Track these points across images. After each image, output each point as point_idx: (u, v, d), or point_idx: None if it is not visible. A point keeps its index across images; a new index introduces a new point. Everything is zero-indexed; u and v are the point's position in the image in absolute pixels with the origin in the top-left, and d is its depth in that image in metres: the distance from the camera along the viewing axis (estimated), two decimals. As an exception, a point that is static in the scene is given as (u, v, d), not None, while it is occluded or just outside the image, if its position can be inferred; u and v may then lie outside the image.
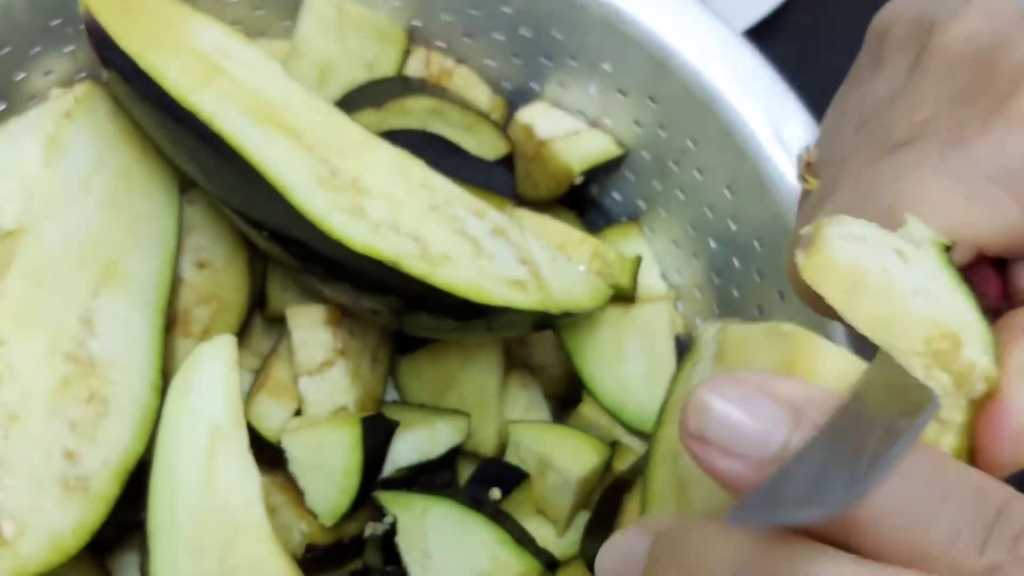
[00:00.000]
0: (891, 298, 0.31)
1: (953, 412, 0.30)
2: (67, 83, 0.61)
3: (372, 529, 0.57)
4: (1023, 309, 0.33)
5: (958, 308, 0.32)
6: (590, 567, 0.56)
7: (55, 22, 0.59)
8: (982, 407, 0.31)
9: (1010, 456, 0.30)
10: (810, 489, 0.25)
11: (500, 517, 0.56)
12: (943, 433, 0.30)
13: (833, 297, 0.32)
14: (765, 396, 0.27)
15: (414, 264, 0.51)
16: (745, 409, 0.27)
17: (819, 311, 0.33)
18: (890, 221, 0.34)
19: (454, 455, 0.59)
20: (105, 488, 0.50)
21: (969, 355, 0.30)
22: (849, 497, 0.25)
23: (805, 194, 0.43)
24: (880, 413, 0.29)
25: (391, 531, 0.55)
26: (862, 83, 0.41)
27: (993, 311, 0.35)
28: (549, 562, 0.56)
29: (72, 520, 0.49)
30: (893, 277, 0.32)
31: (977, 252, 0.35)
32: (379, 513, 0.57)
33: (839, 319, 0.32)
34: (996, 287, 0.37)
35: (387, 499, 0.56)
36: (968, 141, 0.35)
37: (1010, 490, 0.27)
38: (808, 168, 0.43)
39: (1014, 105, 0.35)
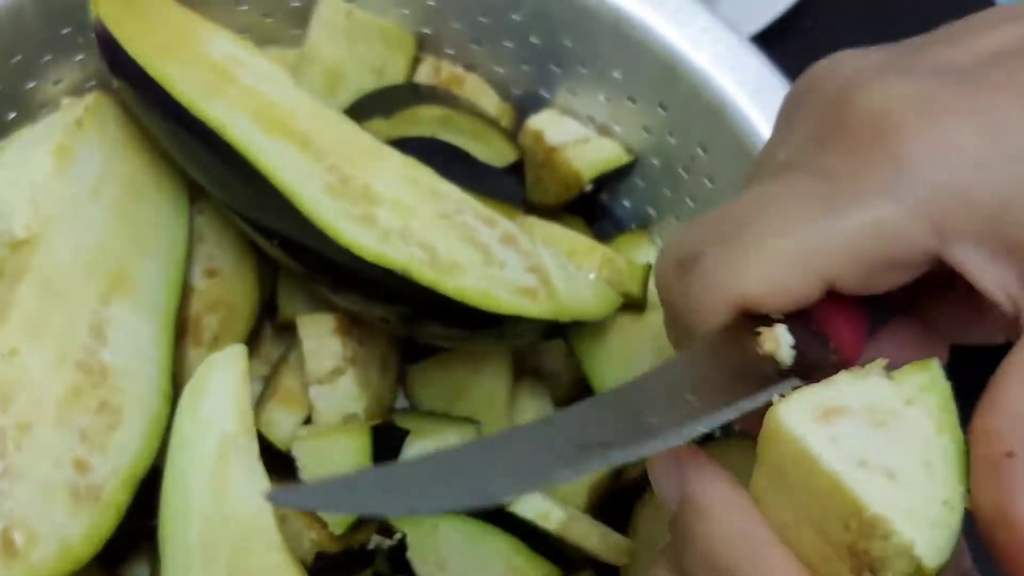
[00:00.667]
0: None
1: None
2: (77, 91, 0.61)
3: (378, 542, 0.57)
4: (989, 430, 0.30)
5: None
6: (600, 573, 0.56)
7: (65, 30, 0.59)
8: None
9: None
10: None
11: (511, 523, 0.56)
12: None
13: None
14: None
15: (424, 272, 0.51)
16: None
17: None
18: (738, 237, 0.34)
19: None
20: (115, 497, 0.50)
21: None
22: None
23: None
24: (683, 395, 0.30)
25: (400, 546, 0.55)
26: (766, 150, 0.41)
27: (842, 365, 0.34)
28: (566, 563, 0.56)
29: (83, 529, 0.49)
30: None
31: (826, 287, 0.33)
32: (387, 530, 0.56)
33: None
34: (854, 334, 0.35)
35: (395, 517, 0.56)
36: (822, 170, 0.34)
37: None
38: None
39: (847, 134, 0.34)
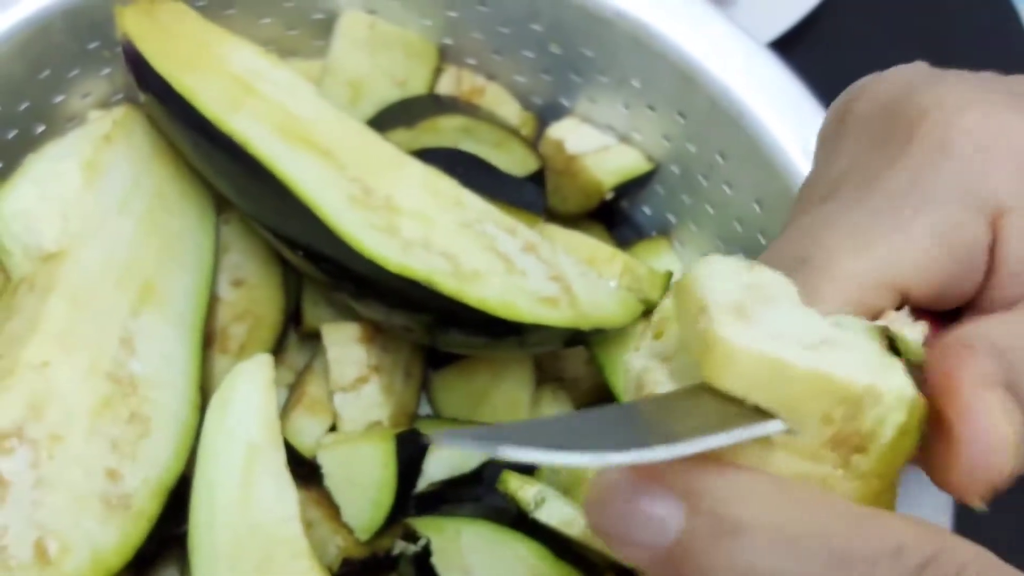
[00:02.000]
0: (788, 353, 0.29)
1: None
2: (104, 105, 0.62)
3: (402, 548, 0.57)
4: (957, 329, 0.32)
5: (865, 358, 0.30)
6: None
7: (92, 45, 0.60)
8: (937, 433, 0.30)
9: (985, 481, 0.29)
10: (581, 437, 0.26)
11: (534, 529, 0.56)
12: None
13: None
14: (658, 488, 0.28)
15: (446, 282, 0.52)
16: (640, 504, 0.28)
17: None
18: (803, 267, 0.34)
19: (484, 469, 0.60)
20: (146, 506, 0.51)
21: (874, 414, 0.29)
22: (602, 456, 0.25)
23: None
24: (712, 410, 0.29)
25: (424, 552, 0.56)
26: (818, 147, 0.42)
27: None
28: (589, 568, 0.56)
29: (114, 538, 0.49)
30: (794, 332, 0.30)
31: (900, 298, 0.34)
32: (412, 536, 0.57)
33: None
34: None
35: (419, 523, 0.57)
36: (878, 179, 0.35)
37: (937, 537, 0.28)
38: None
39: (915, 145, 0.34)
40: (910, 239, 0.33)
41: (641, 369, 0.32)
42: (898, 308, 0.33)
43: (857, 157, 0.36)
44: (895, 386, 0.29)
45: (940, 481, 0.31)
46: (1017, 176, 0.33)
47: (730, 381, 0.29)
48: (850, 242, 0.33)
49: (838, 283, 0.33)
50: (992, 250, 0.34)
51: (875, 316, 0.33)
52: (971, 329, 0.32)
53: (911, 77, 0.37)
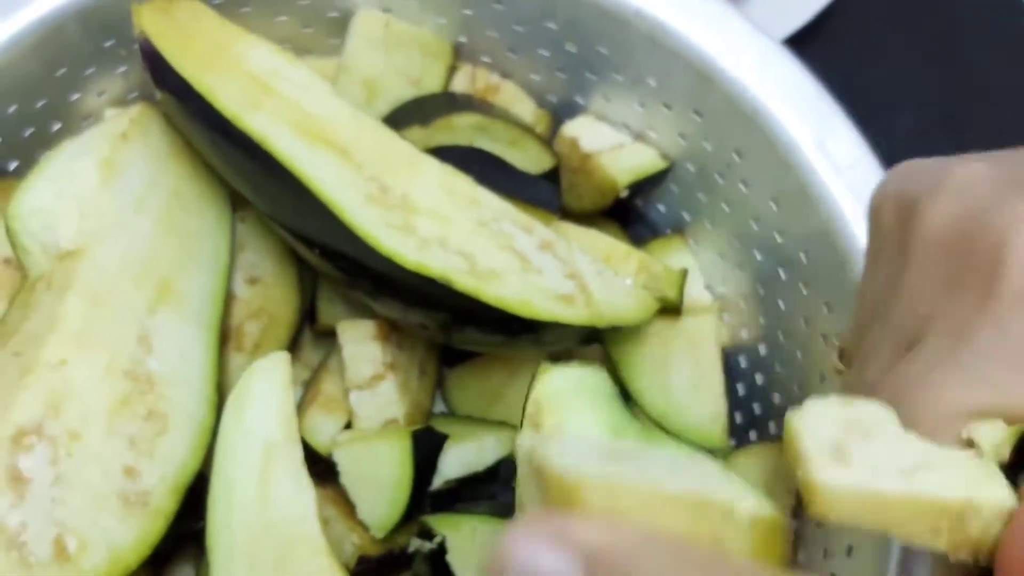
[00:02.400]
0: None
1: None
2: (120, 103, 0.62)
3: (418, 545, 0.57)
4: None
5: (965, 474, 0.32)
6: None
7: (108, 44, 0.60)
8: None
9: None
10: None
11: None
12: None
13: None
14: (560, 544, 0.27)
15: (463, 280, 0.52)
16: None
17: None
18: (908, 418, 0.34)
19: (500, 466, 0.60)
20: (164, 503, 0.51)
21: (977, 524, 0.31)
22: None
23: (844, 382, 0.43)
24: None
25: (440, 550, 0.56)
26: (869, 273, 0.42)
27: None
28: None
29: (132, 535, 0.50)
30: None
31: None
32: (427, 533, 0.57)
33: None
34: None
35: (435, 522, 0.57)
36: (972, 333, 0.34)
37: None
38: (842, 355, 0.44)
39: (1000, 285, 0.34)
40: (1010, 386, 0.33)
41: (529, 448, 0.35)
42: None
43: (938, 300, 0.36)
44: (994, 497, 0.30)
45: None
46: None
47: (837, 518, 0.31)
48: (956, 394, 0.34)
49: (947, 422, 0.33)
50: None
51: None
52: None
53: (977, 191, 0.36)
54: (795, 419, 0.32)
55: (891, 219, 0.39)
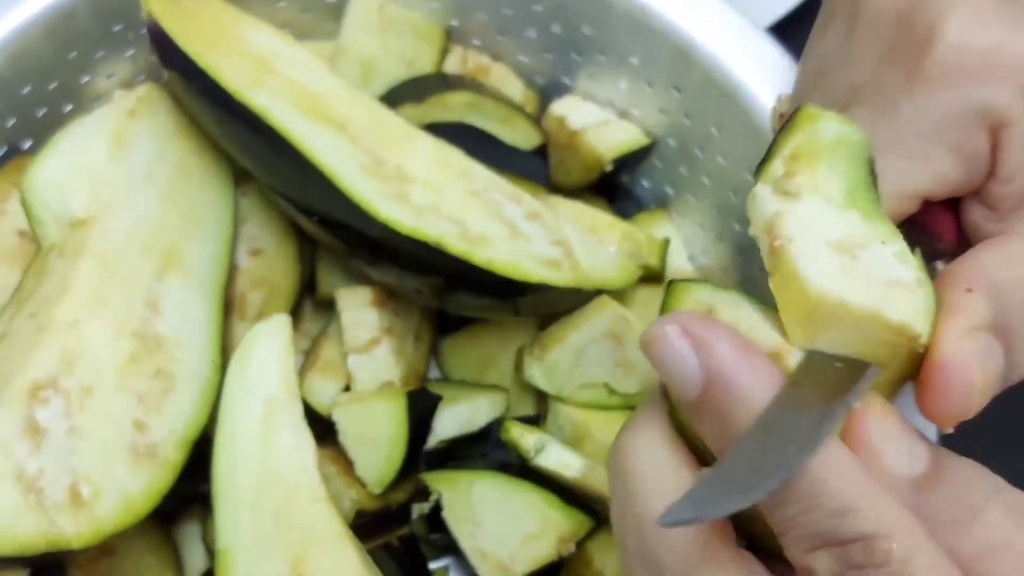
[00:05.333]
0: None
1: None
2: (128, 85, 0.65)
3: (419, 509, 0.60)
4: (958, 275, 0.37)
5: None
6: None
7: (117, 28, 0.63)
8: (923, 369, 0.35)
9: (958, 412, 0.35)
10: (743, 478, 0.32)
11: (541, 478, 0.59)
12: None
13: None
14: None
15: (455, 244, 0.55)
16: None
17: None
18: None
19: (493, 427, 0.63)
20: (172, 455, 0.53)
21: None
22: (774, 482, 0.32)
23: None
24: (814, 397, 0.34)
25: (436, 507, 0.59)
26: (816, 38, 0.47)
27: (952, 252, 0.40)
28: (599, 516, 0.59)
29: (142, 484, 0.52)
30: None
31: (923, 202, 0.40)
32: (423, 493, 0.60)
33: None
34: (951, 228, 0.42)
35: (432, 478, 0.59)
36: (895, 105, 0.40)
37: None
38: (780, 119, 0.47)
39: (927, 63, 0.40)
40: (929, 159, 0.40)
41: (773, 215, 0.37)
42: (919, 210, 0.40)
43: (873, 71, 0.41)
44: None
45: (917, 401, 0.36)
46: (1014, 93, 0.39)
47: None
48: (880, 167, 0.39)
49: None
50: (993, 155, 0.40)
51: (901, 221, 0.40)
52: (970, 266, 0.37)
53: None
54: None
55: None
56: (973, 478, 0.35)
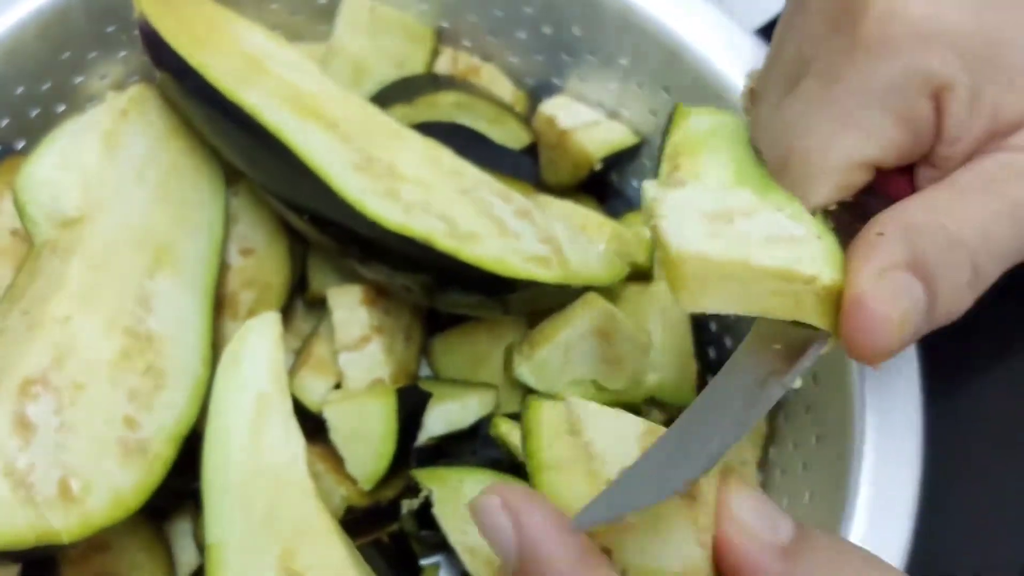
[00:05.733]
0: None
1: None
2: (121, 86, 0.66)
3: (408, 506, 0.60)
4: (874, 222, 0.39)
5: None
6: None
7: (110, 29, 0.64)
8: (844, 312, 0.37)
9: (880, 347, 0.36)
10: (660, 473, 0.34)
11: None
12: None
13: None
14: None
15: (444, 241, 0.55)
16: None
17: None
18: (788, 164, 0.42)
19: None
20: (162, 450, 0.54)
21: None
22: (695, 472, 0.33)
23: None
24: (751, 375, 0.34)
25: (427, 503, 0.59)
26: (785, 13, 0.48)
27: None
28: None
29: (132, 479, 0.53)
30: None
31: (875, 170, 0.42)
32: (413, 490, 0.60)
33: None
34: (907, 192, 0.43)
35: (422, 475, 0.60)
36: (840, 76, 0.41)
37: None
38: (751, 94, 0.48)
39: (866, 32, 0.41)
40: (875, 127, 0.41)
41: (651, 199, 0.40)
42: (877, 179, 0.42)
43: (819, 43, 0.43)
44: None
45: (842, 344, 0.38)
46: (953, 58, 0.40)
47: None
48: (828, 139, 0.41)
49: (826, 174, 0.41)
50: (937, 119, 0.41)
51: (854, 191, 0.41)
52: (888, 214, 0.39)
53: None
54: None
55: None
56: (844, 548, 0.36)
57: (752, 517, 0.35)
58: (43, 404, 0.52)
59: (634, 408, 0.63)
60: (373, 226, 0.55)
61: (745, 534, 0.35)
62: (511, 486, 0.36)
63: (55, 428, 0.52)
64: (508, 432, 0.56)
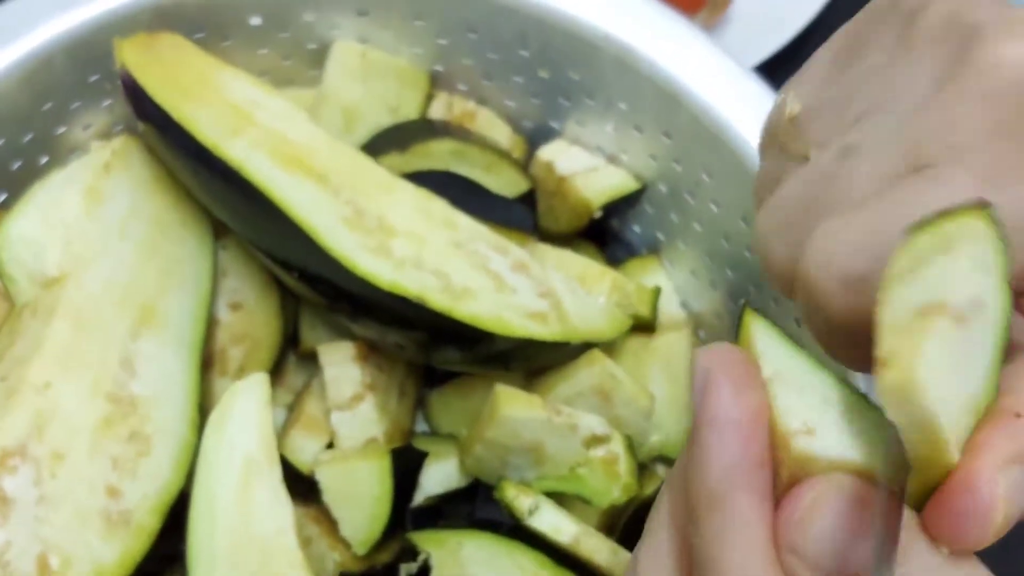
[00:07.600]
0: None
1: None
2: (105, 136, 0.64)
3: (407, 570, 0.58)
4: (1010, 392, 0.32)
5: None
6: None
7: (93, 78, 0.62)
8: (945, 483, 0.31)
9: (966, 540, 0.30)
10: None
11: (533, 539, 0.57)
12: None
13: None
14: None
15: (437, 299, 0.53)
16: None
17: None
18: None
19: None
20: (146, 521, 0.52)
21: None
22: None
23: (772, 140, 0.41)
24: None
25: (425, 567, 0.57)
26: (869, 53, 0.38)
27: None
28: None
29: (115, 553, 0.51)
30: None
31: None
32: (411, 553, 0.58)
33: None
34: None
35: (420, 538, 0.58)
36: (1002, 183, 0.32)
37: None
38: (792, 122, 0.40)
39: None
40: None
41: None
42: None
43: (977, 137, 0.33)
44: None
45: (924, 515, 0.31)
46: None
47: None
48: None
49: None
50: None
51: None
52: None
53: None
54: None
55: (938, 25, 0.35)
56: None
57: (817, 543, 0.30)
58: (21, 476, 0.50)
59: (640, 465, 0.61)
60: (364, 284, 0.53)
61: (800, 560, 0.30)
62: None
63: (34, 501, 0.50)
64: (514, 497, 0.54)
